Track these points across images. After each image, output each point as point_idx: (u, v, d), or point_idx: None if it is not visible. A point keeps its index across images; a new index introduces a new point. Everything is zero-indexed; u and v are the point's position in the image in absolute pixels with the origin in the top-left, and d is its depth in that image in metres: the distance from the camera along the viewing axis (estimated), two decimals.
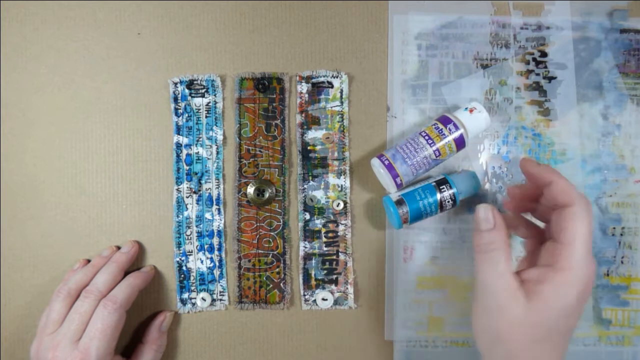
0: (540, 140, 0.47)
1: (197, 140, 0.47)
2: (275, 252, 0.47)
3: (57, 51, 0.47)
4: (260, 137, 0.47)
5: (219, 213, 0.47)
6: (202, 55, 0.47)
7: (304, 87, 0.47)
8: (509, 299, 0.34)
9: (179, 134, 0.47)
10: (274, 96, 0.47)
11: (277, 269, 0.47)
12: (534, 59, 0.47)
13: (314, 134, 0.47)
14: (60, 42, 0.47)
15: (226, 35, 0.47)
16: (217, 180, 0.47)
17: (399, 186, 0.43)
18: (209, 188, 0.47)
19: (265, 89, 0.47)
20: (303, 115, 0.47)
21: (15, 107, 0.47)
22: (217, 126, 0.47)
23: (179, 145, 0.47)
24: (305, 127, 0.47)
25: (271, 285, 0.47)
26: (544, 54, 0.47)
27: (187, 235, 0.47)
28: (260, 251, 0.47)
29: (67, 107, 0.47)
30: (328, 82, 0.47)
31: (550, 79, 0.47)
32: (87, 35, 0.47)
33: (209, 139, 0.47)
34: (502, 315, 0.34)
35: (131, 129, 0.47)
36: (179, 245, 0.47)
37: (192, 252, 0.47)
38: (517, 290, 0.34)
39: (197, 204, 0.47)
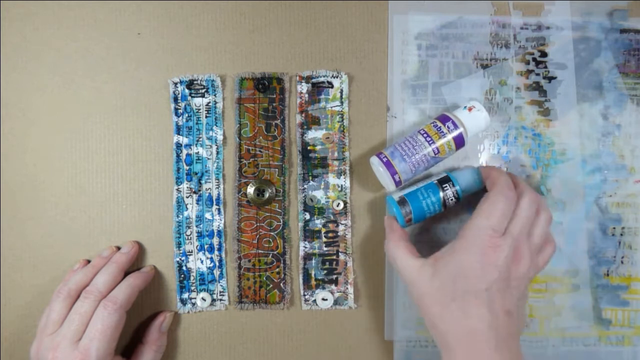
0: (540, 140, 0.47)
1: (197, 140, 0.47)
2: (275, 252, 0.47)
3: (57, 51, 0.47)
4: (260, 137, 0.47)
5: (219, 213, 0.47)
6: (202, 55, 0.47)
7: (304, 87, 0.47)
8: (417, 276, 0.39)
9: (179, 134, 0.47)
10: (274, 96, 0.47)
11: (277, 269, 0.47)
12: (534, 59, 0.47)
13: (314, 134, 0.47)
14: (60, 42, 0.47)
15: (226, 35, 0.47)
16: (217, 180, 0.47)
17: (398, 184, 0.43)
18: (209, 188, 0.47)
19: (265, 89, 0.47)
20: (303, 115, 0.47)
21: (15, 107, 0.47)
22: (217, 126, 0.47)
23: (179, 145, 0.47)
24: (305, 127, 0.47)
25: (271, 285, 0.47)
26: (544, 54, 0.47)
27: (187, 235, 0.47)
28: (260, 251, 0.47)
29: (67, 107, 0.47)
30: (328, 82, 0.47)
31: (550, 79, 0.47)
32: (87, 35, 0.47)
33: (209, 139, 0.47)
34: (415, 291, 0.39)
35: (131, 129, 0.47)
36: (179, 245, 0.47)
37: (192, 252, 0.47)
38: (421, 267, 0.39)
39: (197, 204, 0.47)
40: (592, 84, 0.47)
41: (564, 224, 0.46)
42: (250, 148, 0.47)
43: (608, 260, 0.47)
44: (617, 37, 0.47)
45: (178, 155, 0.47)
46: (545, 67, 0.47)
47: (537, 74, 0.47)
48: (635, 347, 0.47)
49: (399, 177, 0.42)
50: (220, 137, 0.47)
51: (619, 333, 0.47)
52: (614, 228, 0.47)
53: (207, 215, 0.47)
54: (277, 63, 0.47)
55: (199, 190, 0.47)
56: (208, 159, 0.47)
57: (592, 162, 0.47)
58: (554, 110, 0.47)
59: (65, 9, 0.47)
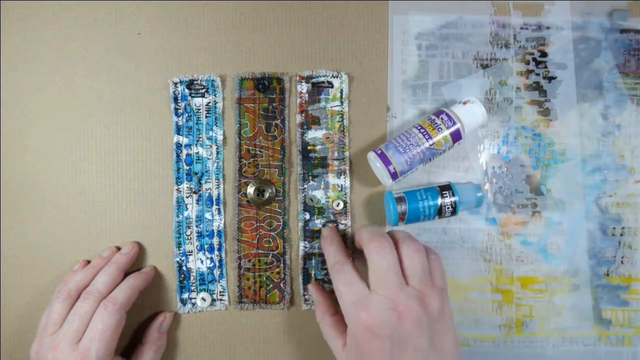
0: (540, 140, 0.47)
1: (197, 140, 0.47)
2: (275, 252, 0.47)
3: (57, 51, 0.47)
4: (260, 137, 0.47)
5: (219, 213, 0.47)
6: (202, 55, 0.47)
7: (304, 87, 0.47)
8: (333, 338, 0.41)
9: (179, 134, 0.47)
10: (274, 96, 0.47)
11: (277, 269, 0.47)
12: (534, 59, 0.47)
13: (314, 134, 0.47)
14: (60, 42, 0.47)
15: (226, 35, 0.47)
16: (217, 180, 0.47)
17: (394, 176, 0.43)
18: (209, 188, 0.47)
19: (265, 89, 0.47)
20: (303, 115, 0.47)
21: (15, 107, 0.47)
22: (217, 126, 0.47)
23: (179, 145, 0.47)
24: (305, 127, 0.47)
25: (271, 285, 0.47)
26: (544, 54, 0.47)
27: (187, 235, 0.47)
28: (260, 251, 0.47)
29: (67, 107, 0.47)
30: (328, 82, 0.47)
31: (550, 79, 0.47)
32: (87, 35, 0.47)
33: (209, 139, 0.47)
34: (333, 349, 0.41)
35: (131, 129, 0.47)
36: (179, 245, 0.47)
37: (192, 252, 0.47)
38: (342, 350, 0.39)
39: (197, 204, 0.47)
40: (592, 84, 0.47)
41: (564, 224, 0.46)
42: (250, 148, 0.47)
43: (608, 260, 0.47)
44: (617, 37, 0.47)
45: (178, 155, 0.47)
46: (545, 67, 0.47)
47: (537, 74, 0.47)
48: (635, 347, 0.47)
49: (394, 169, 0.42)
50: (220, 137, 0.47)
51: (619, 333, 0.47)
52: (614, 228, 0.47)
53: (207, 215, 0.47)
54: (277, 63, 0.47)
55: (199, 190, 0.47)
56: (208, 159, 0.47)
57: (592, 162, 0.47)
58: (554, 110, 0.47)
59: (65, 9, 0.47)
